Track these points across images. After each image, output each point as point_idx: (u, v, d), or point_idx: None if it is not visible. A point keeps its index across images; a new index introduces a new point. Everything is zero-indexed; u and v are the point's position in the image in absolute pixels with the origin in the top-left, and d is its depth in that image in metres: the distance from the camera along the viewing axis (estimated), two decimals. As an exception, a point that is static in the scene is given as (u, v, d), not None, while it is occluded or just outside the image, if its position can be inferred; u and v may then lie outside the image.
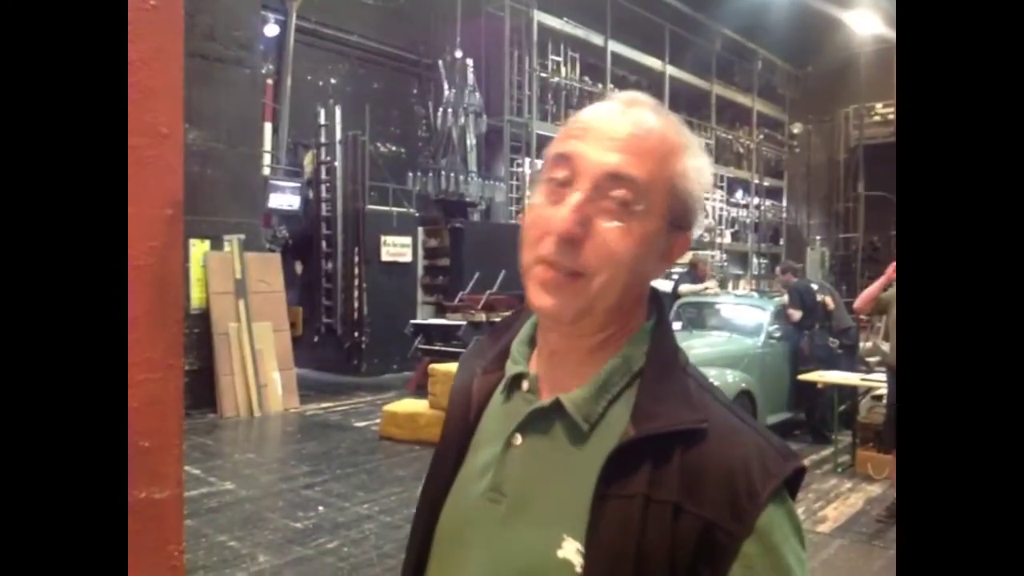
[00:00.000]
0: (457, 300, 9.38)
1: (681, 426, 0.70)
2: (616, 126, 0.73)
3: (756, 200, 19.89)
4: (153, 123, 1.38)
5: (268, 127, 10.49)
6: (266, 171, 10.03)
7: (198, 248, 7.54)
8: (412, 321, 9.77)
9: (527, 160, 12.84)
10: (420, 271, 10.93)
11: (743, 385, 6.08)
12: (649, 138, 0.73)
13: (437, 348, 8.66)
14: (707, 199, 0.81)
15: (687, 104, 17.39)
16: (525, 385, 0.80)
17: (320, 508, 4.79)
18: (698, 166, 0.76)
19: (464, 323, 8.67)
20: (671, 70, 16.47)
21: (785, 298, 7.18)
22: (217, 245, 7.71)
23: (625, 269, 0.72)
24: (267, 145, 10.39)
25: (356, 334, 9.98)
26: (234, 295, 7.67)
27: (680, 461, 0.69)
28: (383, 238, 10.19)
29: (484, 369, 0.85)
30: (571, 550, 0.70)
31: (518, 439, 0.77)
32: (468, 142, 11.81)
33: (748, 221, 19.69)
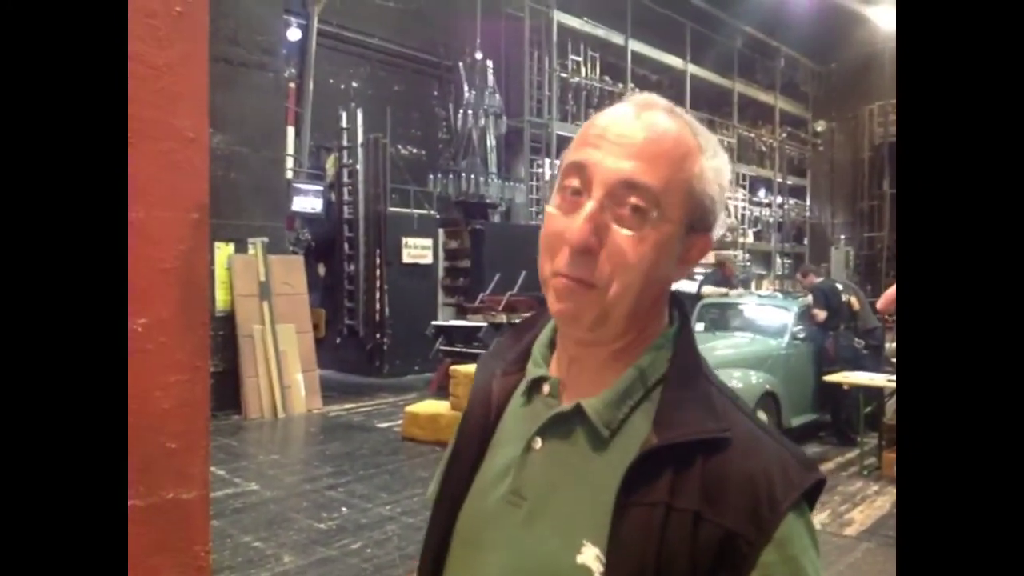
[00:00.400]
0: (478, 301, 9.38)
1: (704, 435, 0.70)
2: (629, 132, 0.72)
3: (779, 199, 19.69)
4: (179, 128, 1.40)
5: (291, 131, 10.58)
6: (289, 174, 10.12)
7: (223, 251, 7.62)
8: (433, 322, 9.79)
9: (547, 161, 12.84)
10: (441, 273, 10.95)
11: (767, 386, 6.01)
12: (663, 142, 0.72)
13: (458, 349, 8.68)
14: (728, 198, 0.79)
15: (708, 102, 17.27)
16: (546, 389, 0.80)
17: (343, 509, 4.82)
18: (716, 166, 0.75)
19: (485, 324, 8.68)
20: (692, 68, 16.37)
21: (809, 298, 7.10)
22: (241, 248, 7.79)
23: (640, 276, 0.71)
24: (290, 149, 10.48)
25: (378, 335, 10.03)
26: (258, 297, 7.75)
27: (702, 470, 0.69)
28: (404, 240, 10.23)
29: (504, 371, 0.85)
30: (590, 556, 0.69)
31: (538, 442, 0.77)
32: (488, 143, 11.83)
33: (771, 220, 19.50)
